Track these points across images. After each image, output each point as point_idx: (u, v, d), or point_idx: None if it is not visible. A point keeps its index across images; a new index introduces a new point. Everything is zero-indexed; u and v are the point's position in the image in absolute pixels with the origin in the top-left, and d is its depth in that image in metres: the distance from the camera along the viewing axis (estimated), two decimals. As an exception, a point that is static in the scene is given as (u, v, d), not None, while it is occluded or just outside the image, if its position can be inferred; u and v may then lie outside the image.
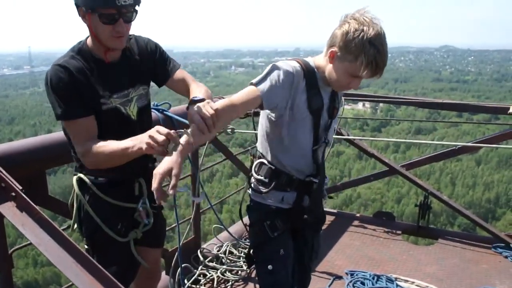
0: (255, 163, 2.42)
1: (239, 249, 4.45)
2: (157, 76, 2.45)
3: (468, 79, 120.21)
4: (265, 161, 2.37)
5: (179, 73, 2.46)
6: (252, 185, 2.44)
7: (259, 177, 2.39)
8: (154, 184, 1.81)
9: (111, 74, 2.24)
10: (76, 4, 2.09)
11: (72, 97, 2.09)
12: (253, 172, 2.43)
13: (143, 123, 2.36)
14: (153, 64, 2.41)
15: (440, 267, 4.36)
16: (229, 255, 4.33)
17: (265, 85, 2.13)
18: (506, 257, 4.55)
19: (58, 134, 2.70)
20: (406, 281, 4.02)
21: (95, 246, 2.38)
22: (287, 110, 2.21)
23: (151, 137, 1.83)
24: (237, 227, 4.90)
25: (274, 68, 2.17)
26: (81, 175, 2.32)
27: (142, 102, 2.39)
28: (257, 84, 2.14)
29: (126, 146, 1.99)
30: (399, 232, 5.09)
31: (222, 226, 4.57)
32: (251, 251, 2.54)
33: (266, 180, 2.36)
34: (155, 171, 1.82)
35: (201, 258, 4.18)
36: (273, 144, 2.34)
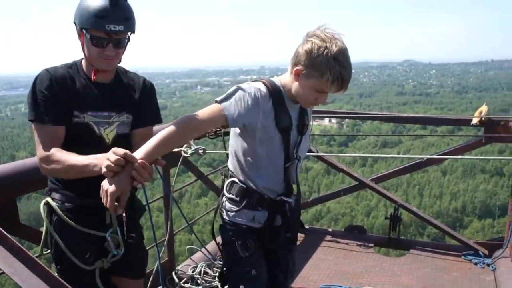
0: (226, 182, 2.43)
1: (214, 269, 4.42)
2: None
3: (431, 91, 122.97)
4: (237, 180, 2.38)
5: (148, 130, 2.45)
6: (224, 204, 2.44)
7: (230, 195, 2.39)
8: (108, 204, 1.86)
9: (93, 93, 2.23)
10: (74, 22, 2.15)
11: (48, 102, 2.12)
12: (224, 191, 2.43)
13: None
14: (141, 102, 2.41)
15: (413, 277, 4.42)
16: (204, 275, 4.29)
17: (229, 103, 2.13)
18: (475, 264, 4.66)
19: (30, 161, 2.68)
20: (381, 292, 4.07)
21: (62, 272, 2.31)
22: (255, 130, 2.22)
23: (108, 159, 1.83)
24: (210, 247, 4.87)
25: (238, 89, 2.19)
26: (49, 199, 2.28)
27: (123, 129, 2.34)
28: (221, 102, 2.14)
29: (87, 163, 2.00)
30: (371, 244, 5.15)
31: (195, 247, 4.55)
32: (224, 271, 2.54)
33: (237, 199, 2.37)
34: (105, 188, 1.85)
35: (176, 280, 4.13)
36: (244, 163, 2.35)
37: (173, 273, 4.21)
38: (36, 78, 2.14)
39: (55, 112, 2.13)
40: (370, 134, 49.91)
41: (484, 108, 4.69)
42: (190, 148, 3.45)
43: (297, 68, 2.18)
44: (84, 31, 2.08)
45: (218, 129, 4.25)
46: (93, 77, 2.21)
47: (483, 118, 4.63)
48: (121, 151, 1.83)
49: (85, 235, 2.27)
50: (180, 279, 4.17)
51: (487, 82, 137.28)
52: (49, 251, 2.38)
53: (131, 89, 2.38)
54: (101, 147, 2.19)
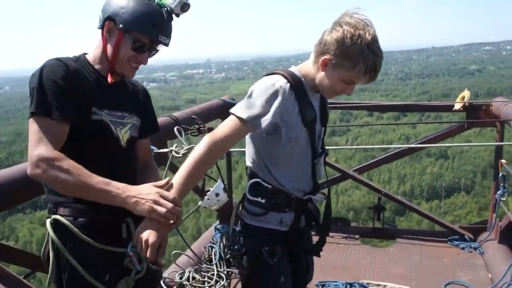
0: (248, 183, 2.23)
1: (202, 273, 4.22)
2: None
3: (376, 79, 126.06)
4: (261, 181, 2.18)
5: (148, 141, 2.40)
6: (246, 207, 2.25)
7: (254, 198, 2.19)
8: (148, 254, 1.79)
9: (108, 91, 2.03)
10: (106, 16, 1.93)
11: (61, 94, 1.84)
12: (246, 192, 2.23)
13: (131, 155, 2.16)
14: (145, 107, 2.29)
15: (405, 266, 4.39)
16: (193, 281, 4.10)
17: (250, 113, 1.98)
18: (463, 248, 4.69)
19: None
20: (378, 285, 4.00)
21: None
22: (280, 129, 2.05)
23: (156, 202, 1.78)
24: (194, 250, 4.67)
25: (255, 90, 2.04)
26: (57, 217, 1.93)
27: (134, 132, 2.16)
28: (240, 113, 1.99)
29: (106, 190, 1.81)
30: (357, 236, 5.09)
31: (179, 251, 4.35)
32: (247, 281, 2.35)
33: (263, 201, 2.17)
34: (145, 237, 1.79)
35: (165, 288, 3.91)
36: (267, 162, 2.17)
37: (162, 282, 3.98)
38: (44, 67, 1.86)
39: (67, 106, 1.85)
40: (359, 124, 50.33)
41: (466, 94, 4.69)
42: (182, 147, 3.25)
43: (325, 57, 2.00)
44: (126, 31, 1.93)
45: (202, 126, 4.04)
46: (110, 79, 2.03)
47: (466, 104, 4.63)
48: (171, 195, 1.83)
49: (102, 255, 1.96)
50: (168, 287, 3.95)
51: (429, 68, 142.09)
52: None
53: (136, 92, 2.24)
54: (117, 151, 2.04)
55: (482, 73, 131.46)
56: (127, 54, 1.97)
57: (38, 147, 1.79)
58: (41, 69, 1.85)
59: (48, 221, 1.96)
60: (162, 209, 1.78)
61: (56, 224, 1.94)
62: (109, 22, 1.94)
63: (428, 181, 55.36)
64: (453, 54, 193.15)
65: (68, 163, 1.78)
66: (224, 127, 2.02)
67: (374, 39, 1.94)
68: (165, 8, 1.96)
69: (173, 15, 2.00)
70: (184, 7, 1.98)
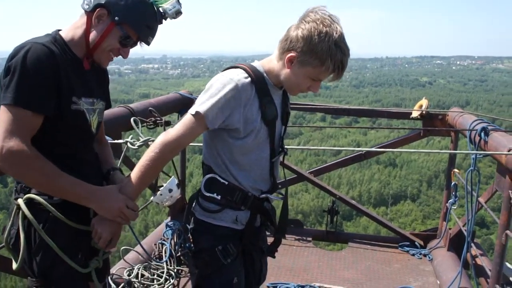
0: (204, 178, 2.15)
1: (151, 270, 4.09)
2: None
3: (330, 85, 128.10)
4: (217, 176, 2.10)
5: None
6: (200, 203, 2.16)
7: (209, 194, 2.11)
8: (101, 244, 1.97)
9: (84, 77, 1.96)
10: (100, 3, 1.86)
11: (43, 86, 1.76)
12: (202, 188, 2.14)
13: (96, 139, 2.15)
14: (107, 89, 2.24)
15: (356, 271, 4.40)
16: (142, 278, 3.95)
17: (205, 109, 1.93)
18: (413, 255, 4.75)
19: None
20: (330, 288, 3.98)
21: (52, 285, 1.93)
22: (237, 125, 1.98)
23: (122, 213, 1.92)
24: (144, 246, 4.53)
25: (213, 85, 1.97)
26: (32, 195, 1.87)
27: (101, 116, 2.13)
28: (195, 110, 1.95)
29: (79, 193, 1.87)
30: (309, 238, 5.06)
31: (128, 247, 4.20)
32: (199, 282, 2.25)
33: (218, 198, 2.09)
34: (100, 231, 1.94)
35: (113, 285, 3.75)
36: (224, 158, 2.08)
37: (109, 278, 3.83)
38: (28, 52, 1.73)
39: (48, 98, 1.78)
40: (316, 126, 50.54)
41: (424, 102, 4.75)
42: (137, 139, 3.12)
43: (290, 54, 1.94)
44: (118, 23, 1.88)
45: (159, 118, 3.91)
46: (87, 65, 1.98)
47: (423, 112, 4.69)
48: (136, 205, 1.98)
49: (74, 235, 1.94)
50: (116, 284, 3.80)
51: (382, 77, 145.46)
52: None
53: (102, 75, 2.16)
54: (88, 135, 2.02)
55: (433, 85, 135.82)
56: (112, 45, 1.93)
57: (9, 139, 1.70)
58: (25, 53, 1.72)
59: (21, 201, 1.88)
60: (124, 219, 1.95)
61: (29, 204, 1.88)
62: (101, 9, 1.87)
63: (376, 188, 56.60)
64: (406, 65, 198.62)
65: (39, 163, 1.76)
66: (180, 125, 1.99)
67: (341, 36, 1.90)
68: (160, 11, 1.97)
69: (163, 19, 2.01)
70: (178, 14, 2.00)
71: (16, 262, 1.91)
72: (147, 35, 1.97)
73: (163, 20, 2.00)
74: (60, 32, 1.94)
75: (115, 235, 2.00)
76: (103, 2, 1.86)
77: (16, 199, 1.91)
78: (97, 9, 1.87)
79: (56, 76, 1.78)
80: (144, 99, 4.80)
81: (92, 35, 1.90)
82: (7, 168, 1.75)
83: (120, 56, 1.99)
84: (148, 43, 2.01)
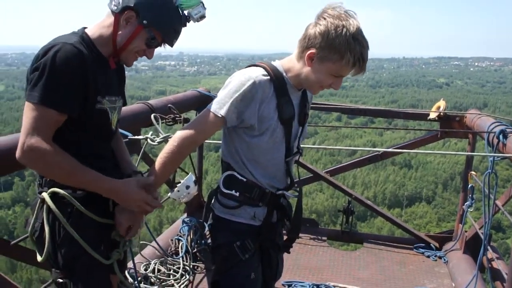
0: (223, 175, 2.19)
1: (167, 265, 4.14)
2: None
3: (346, 85, 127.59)
4: (235, 173, 2.14)
5: None
6: (219, 199, 2.19)
7: (228, 191, 2.14)
8: (121, 232, 2.05)
9: (108, 75, 2.00)
10: (130, 5, 1.89)
11: (71, 86, 1.80)
12: (220, 185, 2.18)
13: (115, 137, 2.19)
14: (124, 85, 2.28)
15: (372, 271, 4.40)
16: (158, 273, 4.01)
17: (222, 106, 1.98)
18: (428, 256, 4.72)
19: None
20: (345, 288, 3.99)
21: (75, 276, 1.97)
22: (255, 123, 2.02)
23: (143, 207, 2.02)
24: (160, 242, 4.58)
25: (231, 82, 2.01)
26: (56, 189, 1.90)
27: (120, 113, 2.17)
28: (213, 107, 2.01)
29: (100, 186, 1.93)
30: (324, 238, 5.07)
31: (146, 242, 4.26)
32: (217, 277, 2.28)
33: (237, 194, 2.13)
34: (120, 220, 2.02)
35: (130, 280, 3.81)
36: (242, 156, 2.12)
37: (126, 272, 3.87)
38: (58, 52, 1.75)
39: (75, 99, 1.82)
40: (332, 126, 50.44)
41: (442, 103, 4.73)
42: (157, 135, 3.16)
43: (310, 51, 1.95)
44: (146, 26, 1.93)
45: (178, 116, 3.96)
46: (113, 65, 2.03)
47: (441, 113, 4.67)
48: (154, 201, 2.04)
49: (97, 227, 1.99)
50: (133, 278, 3.85)
51: (398, 78, 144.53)
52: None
53: (122, 73, 2.22)
54: (109, 132, 2.08)
55: (450, 86, 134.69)
56: (139, 47, 1.98)
57: (33, 136, 1.75)
58: (55, 53, 1.75)
59: (45, 194, 1.92)
60: (146, 209, 2.03)
61: (53, 197, 1.92)
62: (130, 11, 1.90)
63: (391, 189, 56.34)
64: (423, 66, 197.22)
65: (58, 158, 1.80)
66: (197, 121, 2.07)
67: (359, 30, 1.91)
68: (185, 15, 2.02)
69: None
70: (202, 18, 2.05)
71: (41, 255, 1.95)
72: (172, 38, 2.02)
73: (187, 23, 2.05)
74: (86, 30, 1.97)
75: (135, 223, 2.07)
76: (132, 5, 1.89)
77: (40, 193, 1.95)
78: (126, 11, 1.90)
79: (84, 77, 1.82)
80: (161, 96, 4.85)
81: (120, 36, 1.94)
82: (28, 163, 1.82)
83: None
84: (172, 45, 2.06)
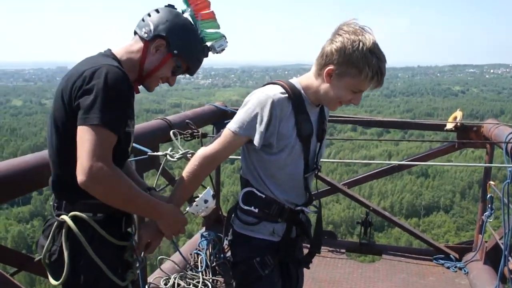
0: (242, 191, 2.22)
1: (187, 280, 4.17)
2: None
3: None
4: (254, 190, 2.17)
5: None
6: (238, 215, 2.22)
7: (247, 207, 2.18)
8: (140, 248, 2.08)
9: (132, 100, 2.01)
10: (161, 34, 1.96)
11: (122, 110, 1.82)
12: (239, 201, 2.22)
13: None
14: None
15: (391, 283, 4.37)
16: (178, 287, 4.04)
17: (242, 125, 2.03)
18: (448, 267, 4.68)
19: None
20: (365, 301, 3.98)
21: None
22: (273, 141, 2.04)
23: (179, 230, 2.08)
24: (180, 257, 4.61)
25: (250, 101, 2.04)
26: (77, 213, 1.89)
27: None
28: (233, 126, 2.05)
29: (151, 210, 1.97)
30: (343, 250, 5.06)
31: (164, 257, 4.30)
32: None
33: (256, 211, 2.16)
34: (141, 235, 2.07)
35: (151, 294, 3.85)
36: (261, 172, 2.15)
37: (146, 286, 3.92)
38: (108, 73, 1.76)
39: (124, 120, 1.86)
40: (347, 138, 50.35)
41: (459, 114, 4.72)
42: (177, 151, 3.20)
43: (328, 68, 1.98)
44: (175, 56, 2.01)
45: (195, 131, 4.00)
46: (137, 90, 2.10)
47: (458, 124, 4.66)
48: (186, 220, 2.11)
49: (115, 249, 1.99)
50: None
51: (413, 87, 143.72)
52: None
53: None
54: (127, 155, 2.10)
55: (466, 94, 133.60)
56: (165, 74, 2.05)
57: (99, 159, 1.70)
58: (106, 76, 1.75)
59: (67, 217, 1.89)
60: (177, 233, 2.09)
61: (73, 221, 1.89)
62: (160, 39, 1.97)
63: (408, 198, 55.82)
64: (438, 74, 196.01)
65: (126, 181, 1.81)
66: (218, 139, 2.08)
67: (375, 44, 1.93)
68: (207, 47, 2.11)
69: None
70: (222, 51, 2.14)
71: (56, 279, 1.93)
72: (196, 68, 2.12)
73: (208, 54, 2.14)
74: (114, 53, 1.99)
75: (156, 240, 2.09)
76: (164, 34, 1.95)
77: (59, 215, 1.92)
78: (157, 39, 1.96)
79: (128, 101, 1.86)
80: (176, 109, 4.91)
81: (148, 62, 1.99)
82: (94, 187, 1.73)
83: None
84: (193, 74, 2.18)
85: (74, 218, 1.89)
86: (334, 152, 62.78)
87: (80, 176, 1.69)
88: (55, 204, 1.97)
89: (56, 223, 1.92)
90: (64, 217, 1.89)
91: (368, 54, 1.90)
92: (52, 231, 1.92)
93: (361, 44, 1.90)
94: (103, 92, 1.73)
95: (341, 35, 1.95)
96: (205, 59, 2.16)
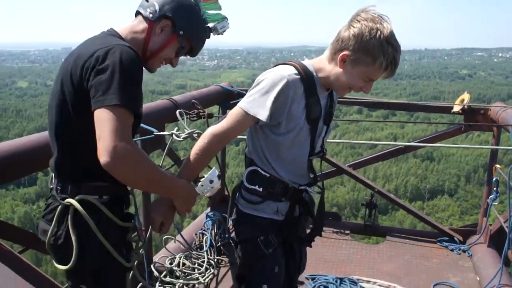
0: (246, 170, 2.23)
1: (192, 259, 4.20)
2: None
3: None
4: (259, 169, 2.18)
5: None
6: (243, 194, 2.24)
7: (251, 186, 2.19)
8: (155, 229, 2.08)
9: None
10: (167, 15, 1.94)
11: (139, 88, 1.81)
12: (244, 180, 2.23)
13: None
14: None
15: (395, 264, 4.40)
16: (183, 267, 4.07)
17: (254, 104, 2.01)
18: (452, 250, 4.70)
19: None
20: (368, 281, 4.01)
21: (101, 282, 1.95)
22: (282, 121, 2.05)
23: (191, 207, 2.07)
24: (185, 236, 4.64)
25: (264, 80, 2.03)
26: (85, 196, 1.86)
27: None
28: (244, 105, 2.04)
29: (174, 186, 1.96)
30: (347, 231, 5.09)
31: (170, 236, 4.33)
32: (242, 270, 2.33)
33: (260, 190, 2.18)
34: (154, 216, 2.04)
35: (156, 273, 3.87)
36: (267, 151, 2.15)
37: (152, 266, 3.95)
38: (122, 53, 1.73)
39: (141, 99, 1.86)
40: (353, 120, 50.14)
41: (466, 96, 4.69)
42: (183, 131, 3.20)
43: (343, 53, 1.97)
44: (180, 36, 1.99)
45: (201, 111, 4.00)
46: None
47: (465, 106, 4.63)
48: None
49: (120, 231, 1.98)
50: (159, 272, 3.92)
51: (420, 70, 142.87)
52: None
53: None
54: (133, 136, 2.01)
55: (473, 78, 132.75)
56: (169, 55, 2.03)
57: (122, 139, 1.65)
58: (120, 55, 1.72)
59: (74, 201, 1.85)
60: (189, 210, 2.08)
61: (82, 204, 1.86)
62: (166, 20, 1.95)
63: (413, 182, 55.85)
64: (445, 57, 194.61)
65: (150, 161, 1.79)
66: (229, 119, 2.06)
67: (392, 33, 1.93)
68: (210, 28, 2.10)
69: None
70: (224, 32, 2.15)
71: (63, 263, 1.92)
72: (199, 49, 2.11)
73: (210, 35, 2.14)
74: (119, 32, 1.97)
75: (169, 219, 2.07)
76: (170, 14, 1.93)
77: (63, 199, 1.88)
78: (162, 20, 1.94)
79: (141, 80, 1.84)
80: (181, 90, 4.90)
81: (153, 43, 1.97)
82: (121, 167, 1.67)
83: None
84: (195, 55, 2.17)
85: (80, 201, 1.86)
86: (340, 134, 62.68)
87: (104, 157, 1.63)
88: (59, 188, 1.92)
89: (60, 206, 1.89)
90: (71, 200, 1.86)
91: (385, 43, 1.90)
92: (56, 215, 1.89)
93: (378, 32, 1.90)
94: (120, 73, 1.69)
95: (359, 21, 1.94)
96: (210, 40, 2.15)
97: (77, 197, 1.86)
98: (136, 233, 2.07)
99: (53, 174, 1.99)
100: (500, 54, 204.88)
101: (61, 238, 1.89)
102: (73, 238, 1.85)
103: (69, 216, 1.86)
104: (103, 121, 1.65)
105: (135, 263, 2.07)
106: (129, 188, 2.05)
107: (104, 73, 1.69)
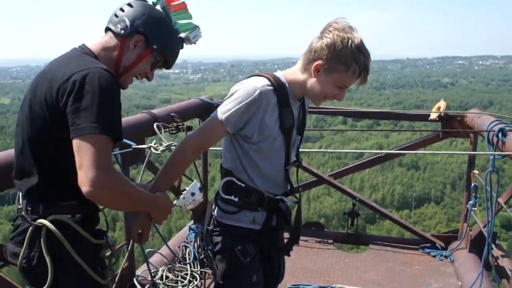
0: (222, 181, 2.25)
1: (175, 272, 4.19)
2: None
3: (351, 88, 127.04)
4: (234, 179, 2.20)
5: None
6: (219, 205, 2.26)
7: (227, 196, 2.21)
8: (134, 239, 2.11)
9: None
10: (139, 30, 1.90)
11: (119, 113, 1.77)
12: (220, 190, 2.25)
13: None
14: None
15: (378, 272, 4.43)
16: (166, 280, 4.06)
17: (228, 114, 2.05)
18: (434, 256, 4.75)
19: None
20: (351, 290, 4.03)
21: None
22: (255, 131, 2.09)
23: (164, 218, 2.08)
24: (167, 249, 4.62)
25: (237, 92, 2.07)
26: (56, 216, 1.80)
27: None
28: (218, 115, 2.07)
29: (148, 203, 1.96)
30: (330, 240, 5.11)
31: (152, 249, 4.31)
32: (220, 280, 2.33)
33: (236, 200, 2.20)
34: (132, 227, 2.06)
35: (138, 287, 3.86)
36: (243, 161, 2.18)
37: (134, 279, 3.93)
38: (100, 78, 1.69)
39: (120, 123, 1.78)
40: (339, 129, 50.15)
41: (442, 104, 4.76)
42: (160, 144, 3.21)
43: (317, 63, 2.02)
44: (154, 50, 1.96)
45: (180, 124, 4.01)
46: None
47: (441, 114, 4.70)
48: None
49: (93, 249, 1.93)
50: (141, 285, 3.90)
51: (403, 79, 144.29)
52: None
53: None
54: None
55: (455, 86, 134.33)
56: (144, 69, 2.00)
57: (103, 169, 1.63)
58: (99, 80, 1.68)
59: (46, 222, 1.80)
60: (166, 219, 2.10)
61: (53, 224, 1.81)
62: (139, 35, 1.91)
63: (399, 190, 56.09)
64: (427, 66, 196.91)
65: (130, 184, 1.79)
66: (202, 128, 2.14)
67: (362, 42, 1.99)
68: (182, 38, 2.09)
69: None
70: (197, 41, 2.14)
71: (33, 286, 1.86)
72: (174, 61, 2.08)
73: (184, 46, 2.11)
74: (91, 48, 1.92)
75: (146, 228, 2.07)
76: (142, 30, 1.90)
77: (34, 220, 1.82)
78: (135, 35, 1.91)
79: (119, 103, 1.79)
80: (166, 104, 4.89)
81: (126, 59, 1.93)
82: (104, 196, 1.67)
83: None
84: (170, 68, 2.13)
85: (52, 221, 1.81)
86: (325, 145, 62.80)
87: (86, 187, 1.61)
88: (29, 208, 1.86)
89: (32, 227, 1.82)
90: (43, 221, 1.80)
91: (356, 51, 1.96)
92: (28, 236, 1.82)
93: (350, 41, 1.96)
94: (99, 99, 1.65)
95: (331, 32, 1.99)
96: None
97: (49, 218, 1.81)
98: (109, 249, 2.05)
99: (20, 194, 1.92)
100: (480, 62, 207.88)
101: (34, 259, 1.83)
102: (47, 260, 1.79)
103: (42, 238, 1.80)
104: (83, 150, 1.63)
105: (109, 280, 2.04)
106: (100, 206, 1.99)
107: (82, 100, 1.65)
